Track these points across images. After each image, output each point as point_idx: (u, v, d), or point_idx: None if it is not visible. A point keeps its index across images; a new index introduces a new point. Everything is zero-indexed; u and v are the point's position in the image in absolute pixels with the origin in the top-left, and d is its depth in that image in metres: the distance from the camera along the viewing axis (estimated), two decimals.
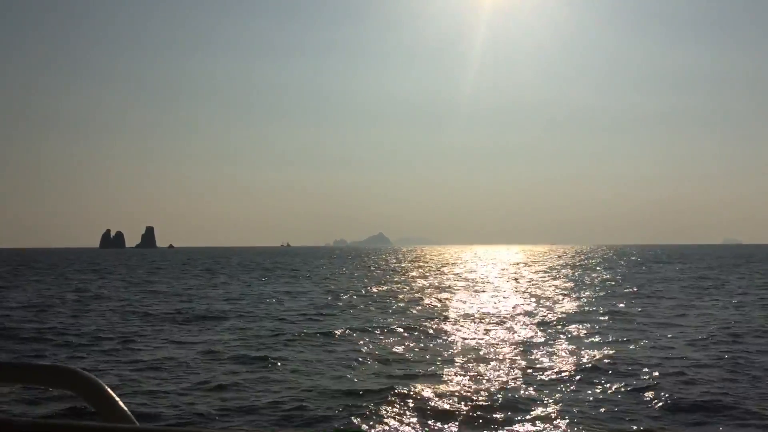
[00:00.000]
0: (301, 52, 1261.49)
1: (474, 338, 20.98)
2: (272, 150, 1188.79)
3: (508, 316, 27.11)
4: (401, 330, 22.70)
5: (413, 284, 48.88)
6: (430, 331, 22.50)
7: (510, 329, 22.97)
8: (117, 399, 1.94)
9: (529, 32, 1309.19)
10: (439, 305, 31.75)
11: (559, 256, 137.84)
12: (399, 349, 19.08)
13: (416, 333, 22.15)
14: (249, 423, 11.81)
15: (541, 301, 33.37)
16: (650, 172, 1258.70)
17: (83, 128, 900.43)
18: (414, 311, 29.22)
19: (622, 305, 30.97)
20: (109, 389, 1.95)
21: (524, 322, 25.09)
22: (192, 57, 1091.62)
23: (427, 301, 34.21)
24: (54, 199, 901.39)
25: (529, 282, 50.64)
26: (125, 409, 1.94)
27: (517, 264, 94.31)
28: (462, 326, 23.83)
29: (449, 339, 20.94)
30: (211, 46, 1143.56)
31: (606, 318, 26.13)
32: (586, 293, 38.34)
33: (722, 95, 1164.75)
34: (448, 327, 23.70)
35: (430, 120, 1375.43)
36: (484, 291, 41.22)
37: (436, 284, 48.37)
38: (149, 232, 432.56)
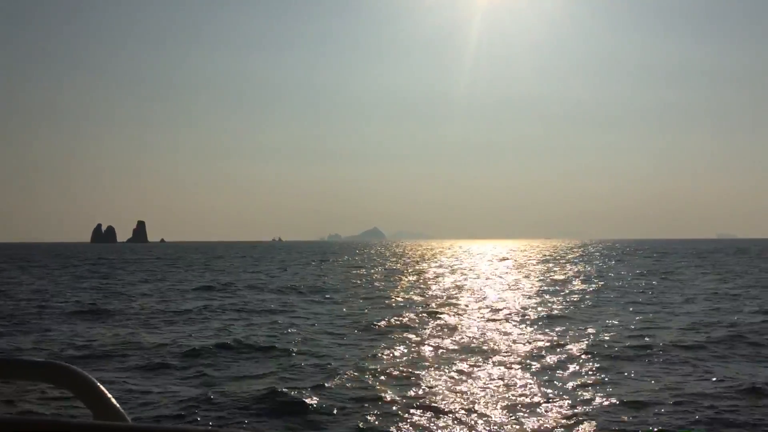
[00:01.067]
0: (295, 45, 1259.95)
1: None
2: (266, 144, 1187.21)
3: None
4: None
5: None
6: None
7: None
8: (110, 396, 1.93)
9: (524, 27, 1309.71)
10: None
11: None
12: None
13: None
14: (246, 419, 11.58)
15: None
16: (645, 167, 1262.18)
17: (74, 122, 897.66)
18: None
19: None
20: (102, 387, 1.93)
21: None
22: (185, 50, 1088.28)
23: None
24: (45, 194, 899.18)
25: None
26: (118, 406, 1.92)
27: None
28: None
29: None
30: (204, 40, 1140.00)
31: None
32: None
33: (717, 90, 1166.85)
34: None
35: (426, 114, 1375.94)
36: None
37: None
38: (141, 226, 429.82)
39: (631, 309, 26.48)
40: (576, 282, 42.39)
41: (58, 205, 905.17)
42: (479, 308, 27.03)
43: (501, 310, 26.27)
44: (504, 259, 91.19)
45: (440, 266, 68.53)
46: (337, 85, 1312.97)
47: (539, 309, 26.51)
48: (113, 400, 1.93)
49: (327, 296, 34.06)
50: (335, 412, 11.74)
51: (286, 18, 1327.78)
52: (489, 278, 47.89)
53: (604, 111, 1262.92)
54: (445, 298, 32.09)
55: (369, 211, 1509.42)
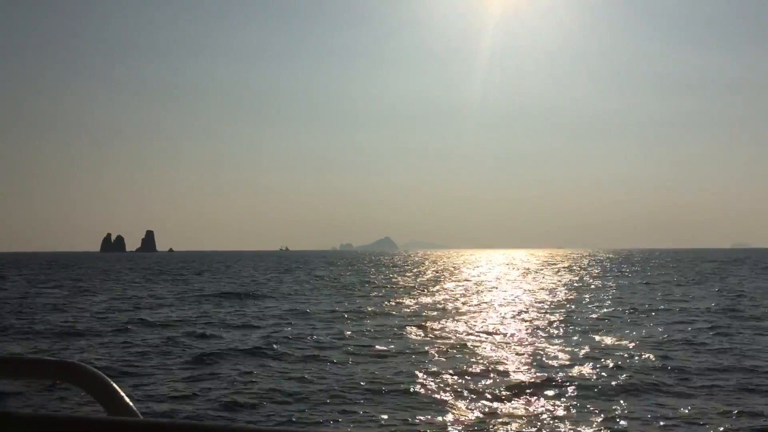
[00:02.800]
0: (305, 55, 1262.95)
1: None
2: (277, 154, 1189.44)
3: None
4: None
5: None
6: None
7: None
8: (122, 393, 1.95)
9: (536, 36, 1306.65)
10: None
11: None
12: None
13: None
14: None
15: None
16: (659, 176, 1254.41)
17: (84, 131, 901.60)
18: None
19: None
20: (113, 384, 1.97)
21: None
22: (194, 60, 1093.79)
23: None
24: (56, 203, 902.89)
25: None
26: (130, 403, 1.94)
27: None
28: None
29: None
30: (213, 50, 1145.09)
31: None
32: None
33: (732, 98, 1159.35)
34: None
35: (438, 124, 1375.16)
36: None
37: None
38: (149, 236, 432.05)
39: None
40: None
41: (69, 214, 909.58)
42: None
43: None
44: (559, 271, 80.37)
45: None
46: (349, 95, 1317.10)
47: None
48: (126, 398, 1.94)
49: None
50: None
51: (296, 29, 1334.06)
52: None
53: (618, 120, 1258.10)
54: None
55: (381, 220, 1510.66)
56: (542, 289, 44.65)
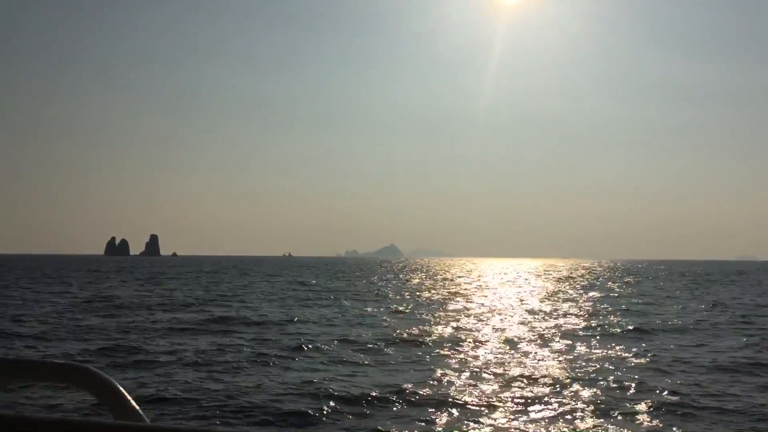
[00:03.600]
0: (313, 62, 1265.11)
1: None
2: (283, 160, 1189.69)
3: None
4: None
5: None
6: None
7: None
8: (129, 398, 1.95)
9: (545, 45, 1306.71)
10: None
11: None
12: None
13: None
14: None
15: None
16: (666, 186, 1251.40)
17: (91, 135, 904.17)
18: None
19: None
20: (121, 387, 1.97)
21: None
22: (203, 66, 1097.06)
23: None
24: (61, 206, 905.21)
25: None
26: (136, 407, 1.95)
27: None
28: None
29: None
30: (222, 56, 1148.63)
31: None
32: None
33: (739, 110, 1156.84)
34: None
35: (445, 132, 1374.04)
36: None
37: None
38: (153, 240, 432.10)
39: None
40: None
41: (73, 217, 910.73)
42: None
43: None
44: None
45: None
46: (356, 102, 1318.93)
47: None
48: (133, 402, 1.96)
49: None
50: None
51: (306, 36, 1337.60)
52: None
53: (625, 130, 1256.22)
54: None
55: (386, 227, 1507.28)
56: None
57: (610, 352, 20.94)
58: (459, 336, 24.41)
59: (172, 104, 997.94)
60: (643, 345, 22.65)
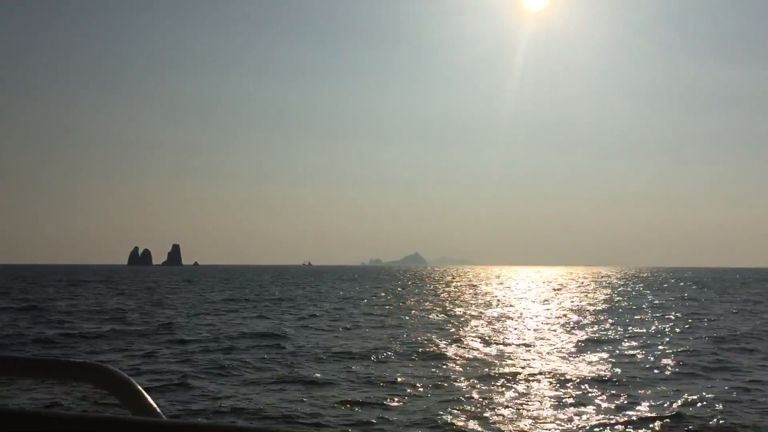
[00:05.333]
0: (335, 71, 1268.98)
1: None
2: (305, 169, 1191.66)
3: None
4: None
5: None
6: None
7: None
8: (146, 395, 1.98)
9: (572, 52, 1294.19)
10: None
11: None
12: None
13: None
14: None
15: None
16: (695, 194, 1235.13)
17: (114, 146, 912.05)
18: None
19: None
20: (137, 385, 1.99)
21: None
22: (222, 75, 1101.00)
23: None
24: (87, 217, 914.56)
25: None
26: (153, 404, 1.97)
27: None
28: None
29: None
30: (241, 65, 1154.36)
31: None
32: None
33: None
34: None
35: (469, 140, 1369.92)
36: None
37: None
38: (175, 249, 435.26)
39: None
40: None
41: (96, 227, 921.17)
42: None
43: None
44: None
45: None
46: (380, 111, 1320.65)
47: None
48: (149, 399, 1.98)
49: None
50: None
51: (327, 46, 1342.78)
52: None
53: (652, 138, 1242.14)
54: None
55: (410, 236, 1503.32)
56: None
57: None
58: None
59: (192, 114, 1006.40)
60: None
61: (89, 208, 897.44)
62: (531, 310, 41.77)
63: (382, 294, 64.66)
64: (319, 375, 17.73)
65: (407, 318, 35.63)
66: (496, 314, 38.27)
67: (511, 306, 46.37)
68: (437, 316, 37.31)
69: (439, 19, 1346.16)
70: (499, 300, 54.65)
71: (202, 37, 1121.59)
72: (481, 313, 39.61)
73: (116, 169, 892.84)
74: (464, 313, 39.55)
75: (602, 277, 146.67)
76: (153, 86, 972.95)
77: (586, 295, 61.54)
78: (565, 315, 37.89)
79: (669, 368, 19.31)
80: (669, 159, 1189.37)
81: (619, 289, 79.01)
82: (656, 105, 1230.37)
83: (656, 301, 52.28)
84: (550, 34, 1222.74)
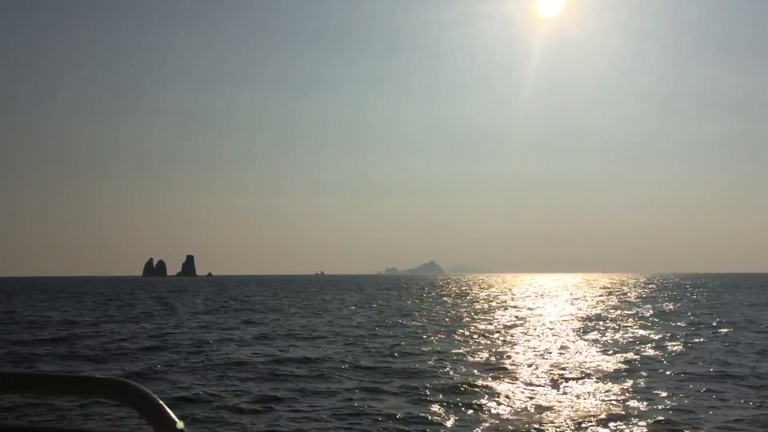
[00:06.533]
0: (349, 81, 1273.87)
1: None
2: (320, 179, 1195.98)
3: None
4: None
5: None
6: None
7: None
8: (169, 411, 1.99)
9: (585, 58, 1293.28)
10: None
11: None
12: None
13: None
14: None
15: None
16: (710, 199, 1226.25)
17: (130, 159, 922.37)
18: None
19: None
20: (161, 401, 2.00)
21: None
22: (237, 88, 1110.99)
23: None
24: (104, 229, 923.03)
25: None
26: (176, 419, 1.98)
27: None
28: None
29: None
30: (256, 77, 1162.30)
31: None
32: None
33: None
34: None
35: (483, 148, 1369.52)
36: None
37: None
38: (189, 260, 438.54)
39: None
40: None
41: (115, 240, 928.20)
42: None
43: None
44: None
45: None
46: (394, 119, 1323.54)
47: None
48: (173, 415, 1.98)
49: None
50: None
51: (341, 56, 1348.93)
52: None
53: (667, 143, 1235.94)
54: None
55: (426, 244, 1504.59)
56: None
57: None
58: None
59: (207, 127, 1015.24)
60: None
61: (103, 221, 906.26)
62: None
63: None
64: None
65: None
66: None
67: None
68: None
69: (453, 28, 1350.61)
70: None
71: (219, 51, 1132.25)
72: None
73: (130, 182, 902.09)
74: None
75: (642, 286, 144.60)
76: (168, 99, 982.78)
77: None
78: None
79: None
80: (685, 163, 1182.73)
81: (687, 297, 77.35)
82: (671, 110, 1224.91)
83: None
84: (563, 41, 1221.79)
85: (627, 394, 16.81)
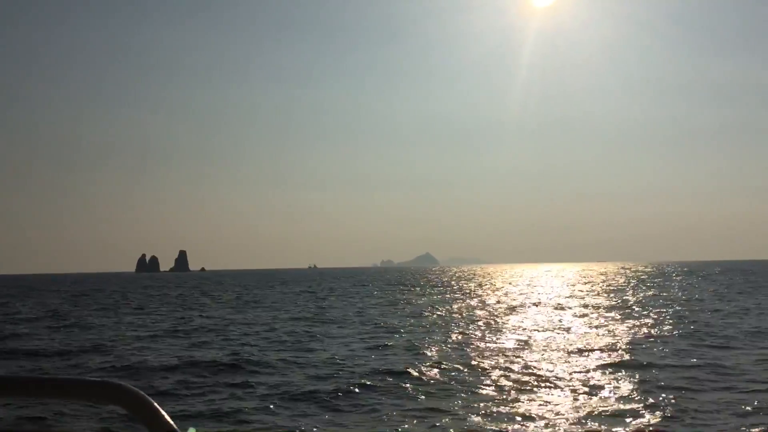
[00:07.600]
0: (340, 73, 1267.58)
1: None
2: (313, 172, 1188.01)
3: None
4: None
5: None
6: None
7: None
8: (163, 413, 1.98)
9: (578, 48, 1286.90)
10: None
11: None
12: None
13: None
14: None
15: None
16: (705, 187, 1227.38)
17: (122, 154, 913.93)
18: None
19: None
20: (155, 404, 2.00)
21: None
22: (229, 82, 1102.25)
23: None
24: (96, 225, 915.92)
25: None
26: (170, 421, 1.98)
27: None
28: None
29: None
30: (247, 71, 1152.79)
31: None
32: None
33: None
34: None
35: (476, 139, 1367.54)
36: None
37: None
38: (182, 256, 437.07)
39: None
40: None
41: (107, 236, 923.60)
42: None
43: None
44: None
45: None
46: (387, 111, 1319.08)
47: None
48: (167, 417, 1.96)
49: None
50: None
51: (333, 48, 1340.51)
52: None
53: (660, 132, 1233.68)
54: None
55: (421, 236, 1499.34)
56: None
57: None
58: None
59: (197, 120, 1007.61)
60: None
61: (94, 217, 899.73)
62: None
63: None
64: None
65: None
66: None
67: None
68: None
69: (445, 18, 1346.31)
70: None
71: (208, 44, 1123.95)
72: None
73: (121, 178, 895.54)
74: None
75: (649, 275, 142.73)
76: (159, 94, 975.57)
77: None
78: None
79: None
80: (680, 152, 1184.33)
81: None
82: (664, 100, 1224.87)
83: None
84: (556, 31, 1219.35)
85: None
